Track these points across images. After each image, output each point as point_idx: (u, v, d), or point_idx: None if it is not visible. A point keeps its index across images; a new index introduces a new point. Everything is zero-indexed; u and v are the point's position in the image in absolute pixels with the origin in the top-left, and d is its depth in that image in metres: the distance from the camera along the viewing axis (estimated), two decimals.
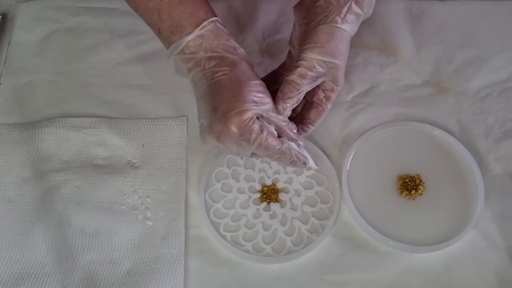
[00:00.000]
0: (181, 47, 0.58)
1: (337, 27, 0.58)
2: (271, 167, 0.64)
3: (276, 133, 0.58)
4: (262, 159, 0.64)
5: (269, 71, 0.71)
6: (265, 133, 0.56)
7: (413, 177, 0.62)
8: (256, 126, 0.55)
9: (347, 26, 0.58)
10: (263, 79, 0.59)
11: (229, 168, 0.64)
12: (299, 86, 0.58)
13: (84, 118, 0.66)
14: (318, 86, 0.60)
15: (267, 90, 0.58)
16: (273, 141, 0.56)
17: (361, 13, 0.59)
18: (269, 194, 0.62)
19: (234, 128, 0.55)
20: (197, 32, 0.57)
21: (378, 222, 0.60)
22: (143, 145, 0.65)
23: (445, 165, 0.63)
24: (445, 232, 0.59)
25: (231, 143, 0.56)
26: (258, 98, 0.56)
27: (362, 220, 0.59)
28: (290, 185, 0.62)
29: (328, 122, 0.67)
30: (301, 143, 0.60)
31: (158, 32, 0.59)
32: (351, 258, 0.59)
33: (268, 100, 0.58)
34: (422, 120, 0.67)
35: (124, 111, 0.67)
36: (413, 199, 0.61)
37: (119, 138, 0.65)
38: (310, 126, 0.62)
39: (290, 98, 0.58)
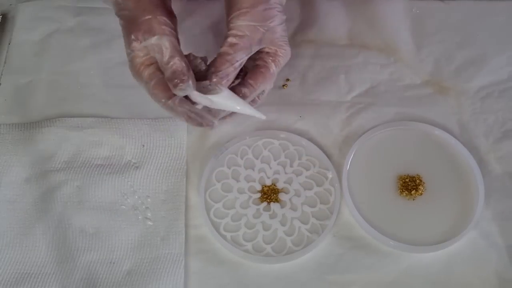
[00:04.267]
0: None
1: None
2: (270, 167, 0.64)
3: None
4: (262, 159, 0.64)
5: None
6: (152, 82, 0.55)
7: (413, 177, 0.62)
8: (145, 72, 0.55)
9: None
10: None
11: (229, 168, 0.64)
12: (231, 57, 0.55)
13: (84, 118, 0.66)
14: (261, 52, 0.59)
15: (161, 27, 0.55)
16: (159, 93, 0.55)
17: None
18: (269, 194, 0.62)
19: (131, 72, 0.56)
20: None
21: (378, 222, 0.60)
22: (143, 145, 0.65)
23: (445, 165, 0.63)
24: (445, 232, 0.59)
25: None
26: (145, 40, 0.55)
27: (362, 220, 0.59)
28: (290, 185, 0.62)
29: (328, 122, 0.67)
30: (222, 93, 0.56)
31: None
32: (351, 258, 0.59)
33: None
34: (422, 120, 0.67)
35: (124, 111, 0.67)
36: (413, 199, 0.61)
37: (119, 138, 0.65)
38: (250, 88, 0.59)
39: (221, 71, 0.56)
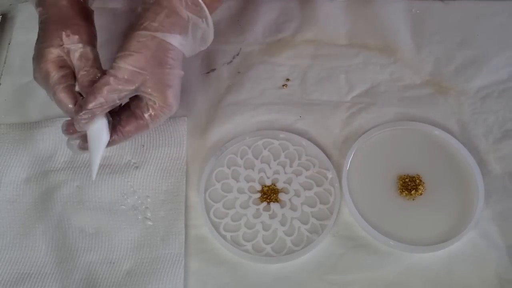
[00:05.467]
0: None
1: (151, 34, 0.54)
2: (270, 167, 0.64)
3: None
4: (262, 159, 0.64)
5: (270, 71, 0.72)
6: (61, 86, 0.55)
7: (413, 177, 0.62)
8: (55, 74, 0.55)
9: (169, 36, 0.54)
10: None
11: (229, 168, 0.64)
12: (102, 96, 0.53)
13: None
14: (140, 98, 0.56)
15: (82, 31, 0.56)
16: (65, 98, 0.55)
17: (189, 19, 0.55)
18: (269, 194, 0.62)
19: (38, 66, 0.56)
20: None
21: (378, 222, 0.60)
22: (143, 145, 0.65)
23: (445, 165, 0.63)
24: (445, 232, 0.59)
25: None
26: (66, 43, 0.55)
27: (362, 220, 0.59)
28: (290, 186, 0.62)
29: (328, 122, 0.67)
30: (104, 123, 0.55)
31: None
32: (351, 258, 0.59)
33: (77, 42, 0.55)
34: (422, 120, 0.67)
35: None
36: (413, 199, 0.61)
37: None
38: (121, 136, 0.57)
39: (88, 109, 0.53)
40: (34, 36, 0.73)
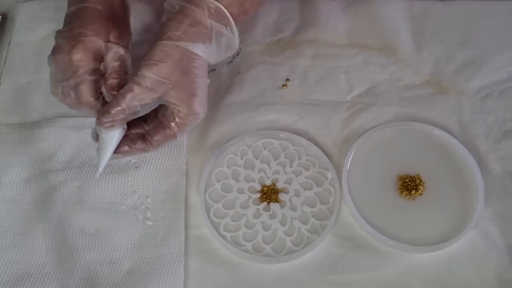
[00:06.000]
0: None
1: (174, 44, 0.54)
2: (270, 167, 0.64)
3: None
4: (262, 160, 0.64)
5: (270, 71, 0.72)
6: (91, 77, 0.55)
7: (413, 177, 0.62)
8: (88, 65, 0.55)
9: (192, 45, 0.55)
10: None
11: (229, 168, 0.64)
12: (124, 103, 0.54)
13: (84, 118, 0.66)
14: (166, 108, 0.57)
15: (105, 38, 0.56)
16: (88, 97, 0.56)
17: (213, 29, 0.55)
18: (269, 194, 0.62)
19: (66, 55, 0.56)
20: None
21: (378, 222, 0.60)
22: None
23: (445, 165, 0.63)
24: (445, 232, 0.59)
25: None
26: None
27: (362, 220, 0.59)
28: (290, 186, 0.62)
29: (328, 122, 0.67)
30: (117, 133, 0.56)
31: None
32: (351, 258, 0.59)
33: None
34: (422, 120, 0.67)
35: None
36: (413, 199, 0.61)
37: None
38: (150, 145, 0.58)
39: (112, 114, 0.54)
40: (34, 36, 0.74)
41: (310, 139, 0.65)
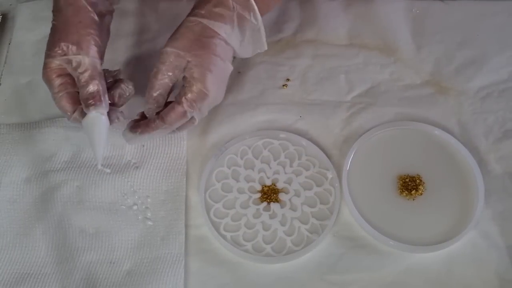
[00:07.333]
0: None
1: (197, 19, 0.58)
2: (270, 167, 0.64)
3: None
4: (262, 159, 0.64)
5: (270, 71, 0.72)
6: (61, 94, 0.57)
7: (413, 177, 0.62)
8: (56, 82, 0.57)
9: (213, 23, 0.58)
10: None
11: (229, 168, 0.64)
12: (157, 83, 0.58)
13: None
14: (183, 84, 0.59)
15: (88, 39, 0.57)
16: (67, 105, 0.57)
17: (235, 11, 0.58)
18: (269, 194, 0.62)
19: (43, 72, 0.57)
20: None
21: (378, 222, 0.60)
22: (143, 145, 0.65)
23: (445, 165, 0.63)
24: (445, 232, 0.59)
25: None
26: (65, 50, 0.56)
27: (362, 220, 0.59)
28: (290, 186, 0.62)
29: (328, 122, 0.67)
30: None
31: None
32: (351, 258, 0.59)
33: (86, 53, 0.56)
34: (422, 120, 0.67)
35: (124, 111, 0.67)
36: (413, 199, 0.61)
37: (119, 138, 0.65)
38: (161, 122, 0.59)
39: (154, 97, 0.58)
40: (34, 36, 0.74)
41: (310, 139, 0.65)
